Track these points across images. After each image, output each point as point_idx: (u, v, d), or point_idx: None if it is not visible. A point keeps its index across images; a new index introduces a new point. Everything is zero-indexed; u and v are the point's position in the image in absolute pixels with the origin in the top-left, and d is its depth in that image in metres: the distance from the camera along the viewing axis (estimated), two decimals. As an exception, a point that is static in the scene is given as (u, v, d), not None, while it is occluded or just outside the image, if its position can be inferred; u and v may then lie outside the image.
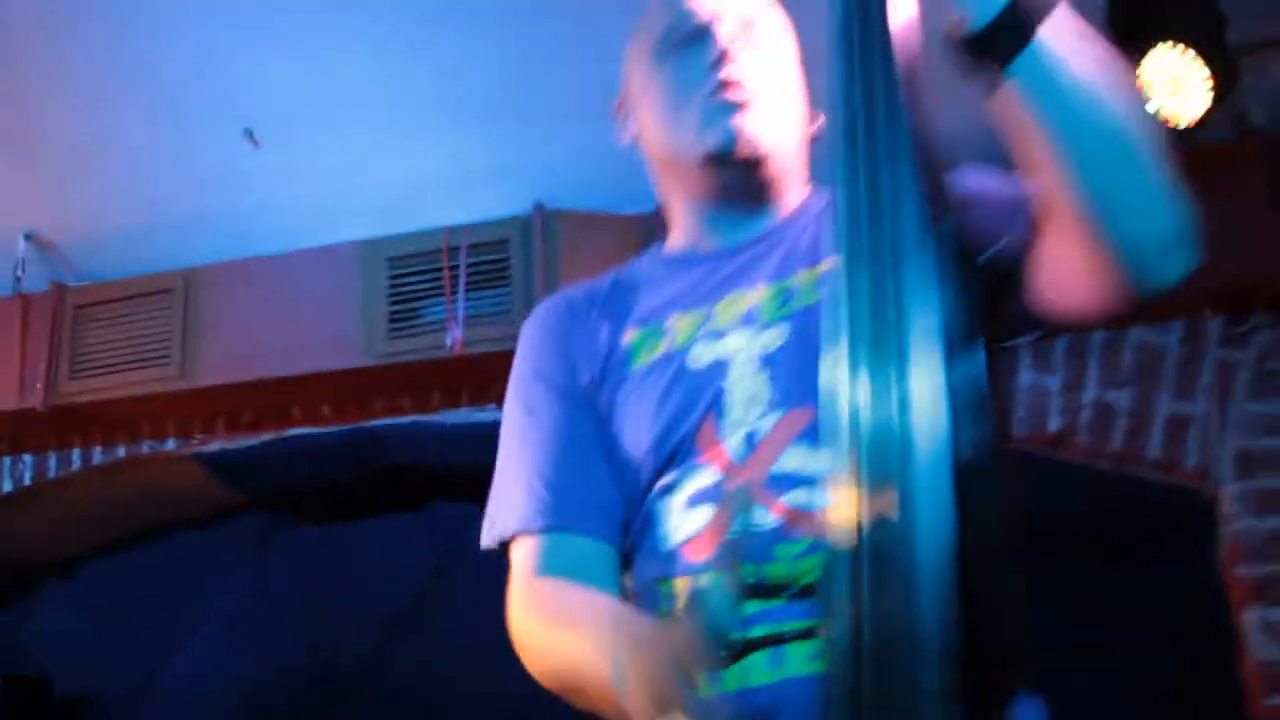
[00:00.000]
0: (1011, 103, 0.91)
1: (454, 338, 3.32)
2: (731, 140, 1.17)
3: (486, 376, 3.45)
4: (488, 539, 1.22)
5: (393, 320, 3.42)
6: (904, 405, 0.71)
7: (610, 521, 1.17)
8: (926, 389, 0.71)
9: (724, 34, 1.21)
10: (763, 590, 1.03)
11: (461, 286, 3.38)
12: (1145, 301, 0.96)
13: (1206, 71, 2.57)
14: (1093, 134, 0.91)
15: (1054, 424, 3.17)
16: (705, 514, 1.09)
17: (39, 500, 3.97)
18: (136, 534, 4.31)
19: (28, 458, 3.87)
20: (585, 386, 1.21)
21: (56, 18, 2.86)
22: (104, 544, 4.33)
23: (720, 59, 1.19)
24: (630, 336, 1.21)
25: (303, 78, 3.06)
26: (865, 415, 0.73)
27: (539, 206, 3.40)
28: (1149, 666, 3.50)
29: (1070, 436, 3.17)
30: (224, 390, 3.55)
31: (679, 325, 1.19)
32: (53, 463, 3.87)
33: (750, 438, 1.08)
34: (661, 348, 1.18)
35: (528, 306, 3.24)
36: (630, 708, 0.90)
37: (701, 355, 1.15)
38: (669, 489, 1.12)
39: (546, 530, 1.16)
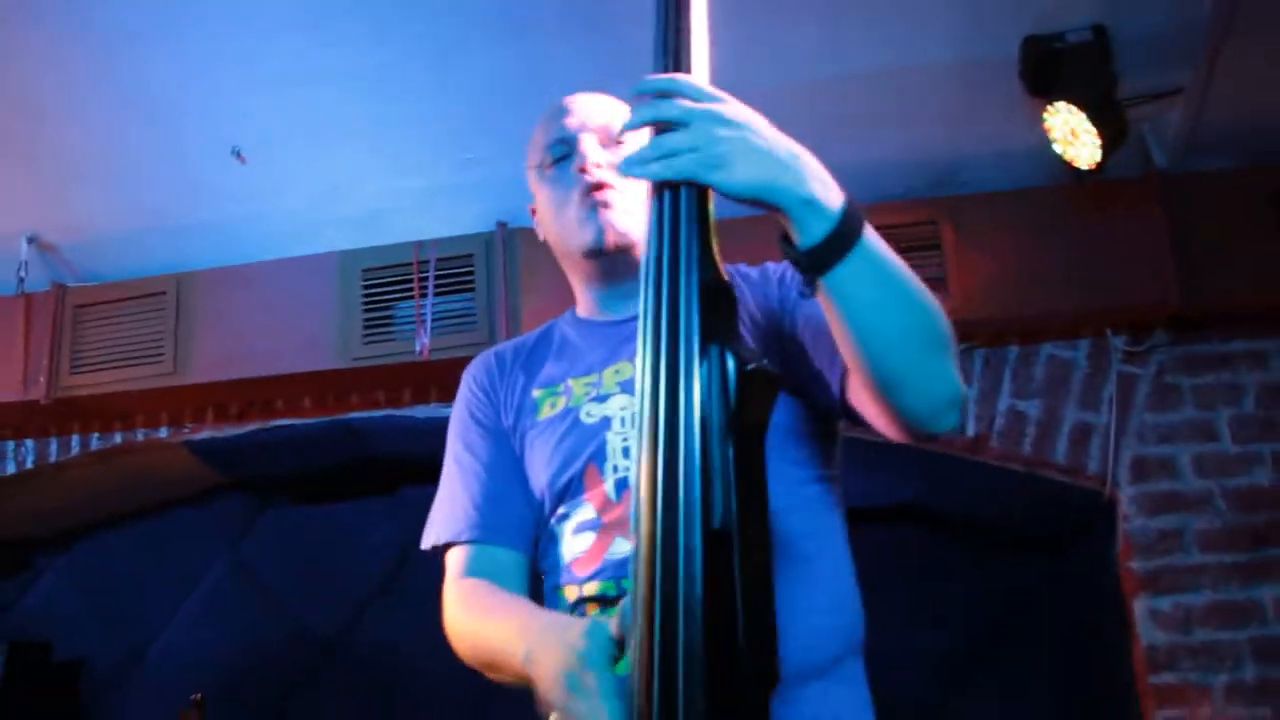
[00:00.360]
0: (826, 296, 1.11)
1: (423, 343, 3.44)
2: (601, 234, 1.42)
3: (452, 377, 3.52)
4: (426, 543, 1.50)
5: (367, 326, 3.53)
6: (669, 475, 0.99)
7: (524, 537, 1.46)
8: (683, 466, 0.99)
9: (587, 145, 1.45)
10: (615, 601, 1.32)
11: (430, 295, 3.49)
12: (926, 441, 1.19)
13: (1096, 127, 2.82)
14: (883, 335, 1.12)
15: (971, 429, 3.38)
16: (588, 539, 1.37)
17: (40, 481, 4.05)
18: (129, 513, 4.42)
19: (30, 443, 3.96)
20: (507, 428, 1.50)
21: (59, 35, 2.93)
22: (99, 521, 4.43)
23: (584, 168, 1.43)
24: (538, 393, 1.49)
25: (287, 100, 3.17)
26: (649, 476, 1.01)
27: (501, 224, 3.54)
28: (1054, 647, 3.74)
29: (985, 442, 3.37)
30: (213, 386, 3.65)
31: (574, 387, 1.46)
32: (54, 448, 3.95)
33: (622, 483, 1.36)
34: (561, 404, 1.46)
35: (490, 314, 3.42)
36: (539, 684, 1.14)
37: (592, 412, 1.42)
38: (563, 517, 1.41)
39: (473, 541, 1.45)
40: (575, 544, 1.39)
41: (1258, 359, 3.34)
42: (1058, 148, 2.97)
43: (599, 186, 1.43)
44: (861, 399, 1.23)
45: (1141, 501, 3.30)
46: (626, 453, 1.37)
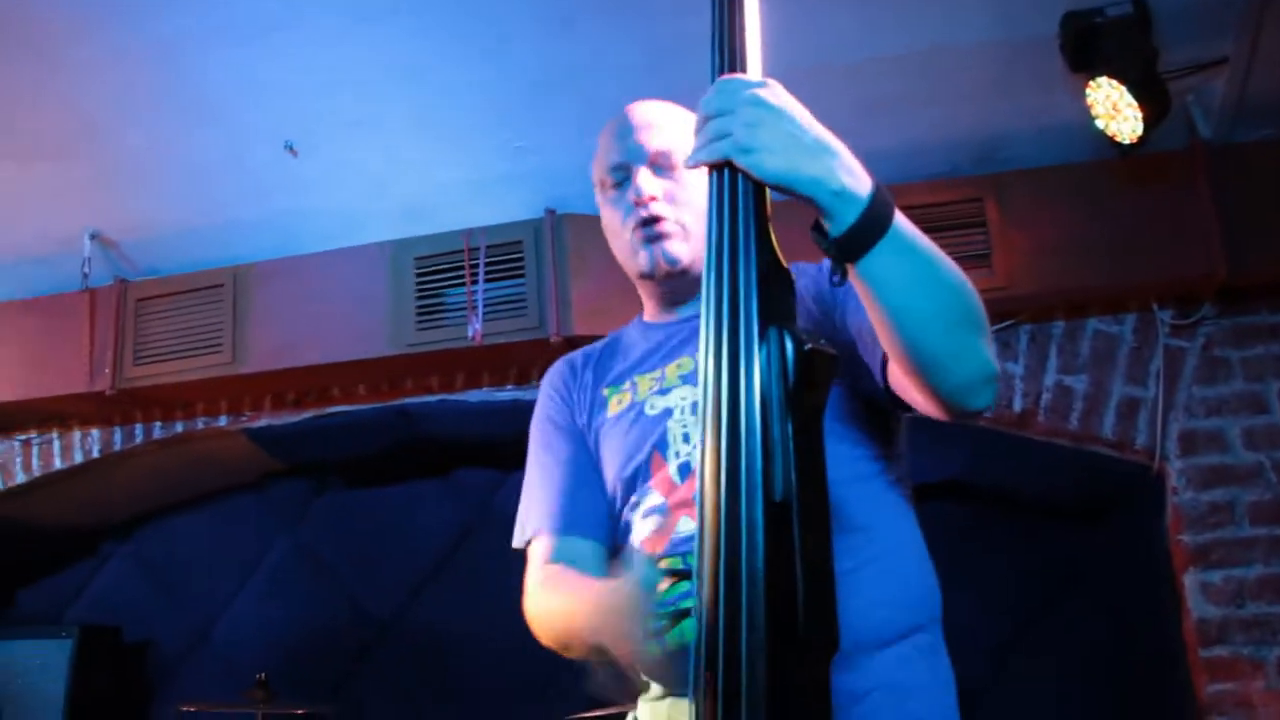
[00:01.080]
0: (859, 282, 1.14)
1: (474, 328, 3.49)
2: (654, 266, 1.50)
3: (503, 361, 3.68)
4: (519, 540, 1.58)
5: (419, 313, 3.58)
6: (732, 451, 1.05)
7: (602, 527, 1.54)
8: (744, 442, 1.04)
9: (642, 179, 1.50)
10: (688, 574, 1.38)
11: (481, 282, 3.54)
12: (965, 418, 1.22)
13: (1137, 101, 2.82)
14: (916, 318, 1.14)
15: (1018, 405, 3.39)
16: (655, 522, 1.44)
17: (105, 470, 4.15)
18: (191, 499, 4.55)
19: (95, 433, 4.06)
20: (581, 427, 1.59)
21: (118, 44, 3.03)
22: (162, 508, 4.55)
23: (638, 200, 1.49)
24: (606, 391, 1.58)
25: (339, 95, 3.24)
26: (713, 453, 1.06)
27: (550, 211, 3.58)
28: (1103, 622, 3.77)
29: (1033, 417, 3.38)
30: (270, 375, 3.73)
31: (640, 383, 1.54)
32: (118, 437, 4.05)
33: (684, 467, 1.42)
34: (627, 399, 1.54)
35: (540, 299, 3.47)
36: (610, 643, 1.22)
37: (655, 404, 1.49)
38: (634, 505, 1.48)
39: (557, 532, 1.52)
40: (644, 527, 1.45)
41: (1306, 330, 3.32)
42: (1100, 123, 2.98)
43: (652, 220, 1.49)
44: (901, 383, 1.26)
45: (1191, 474, 3.30)
46: (688, 438, 1.43)
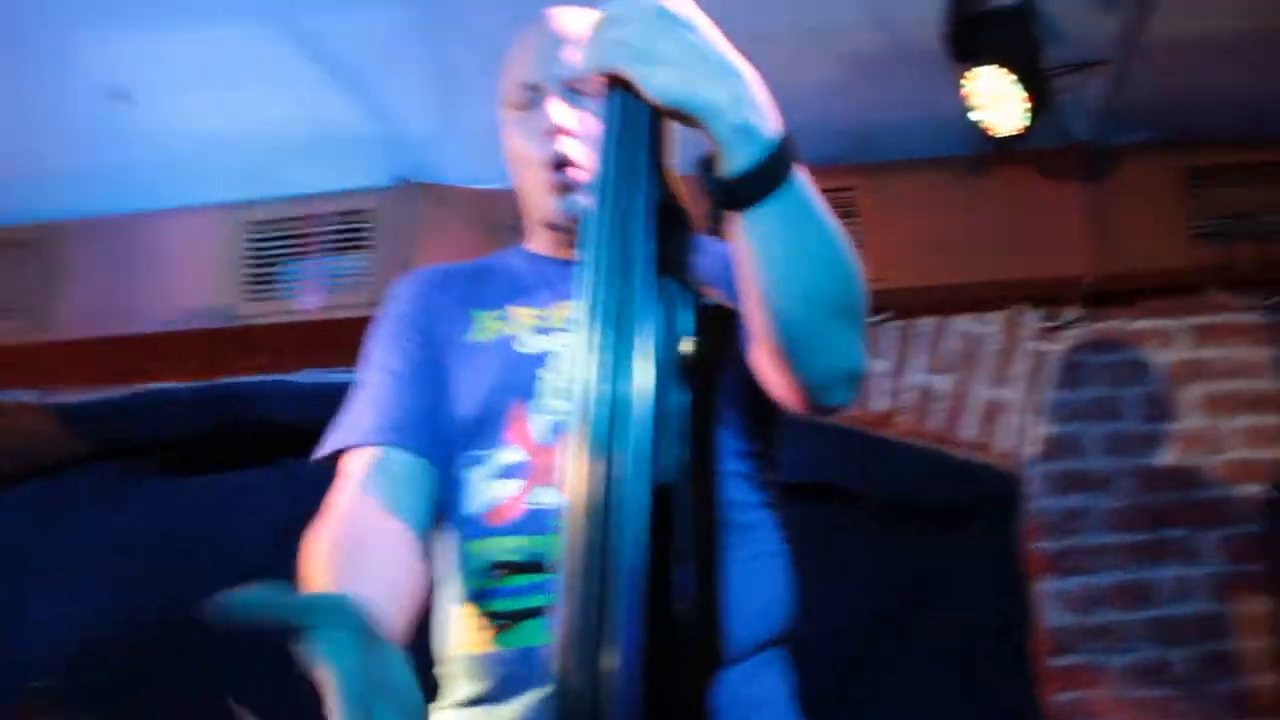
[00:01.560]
0: (739, 237, 1.00)
1: (312, 302, 3.32)
2: (561, 215, 1.30)
3: (345, 340, 3.38)
4: (329, 447, 1.31)
5: (252, 283, 3.40)
6: (615, 417, 0.86)
7: (442, 452, 1.28)
8: (634, 408, 0.86)
9: (553, 109, 1.29)
10: (537, 565, 1.18)
11: (321, 253, 3.37)
12: (819, 414, 1.12)
13: (1023, 91, 2.77)
14: (796, 290, 1.02)
15: (880, 404, 3.33)
16: (506, 487, 1.22)
17: None
18: None
19: None
20: (437, 343, 1.34)
21: None
22: None
23: (551, 131, 1.29)
24: (475, 313, 1.34)
25: (170, 39, 2.99)
26: (589, 419, 0.86)
27: (401, 180, 3.40)
28: (958, 628, 3.73)
29: (893, 417, 3.33)
30: (82, 344, 3.48)
31: (517, 315, 1.32)
32: None
33: (557, 426, 1.21)
34: (495, 329, 1.31)
35: (385, 274, 3.18)
36: None
37: (530, 343, 1.28)
38: (474, 460, 1.25)
39: (388, 444, 1.26)
40: (489, 491, 1.24)
41: (1164, 338, 3.34)
42: (979, 114, 2.91)
43: (564, 163, 1.29)
44: (760, 362, 1.13)
45: (1048, 480, 3.29)
46: (561, 395, 1.23)
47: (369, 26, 2.96)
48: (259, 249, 3.42)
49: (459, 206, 3.31)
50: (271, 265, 3.41)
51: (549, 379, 1.25)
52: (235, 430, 3.85)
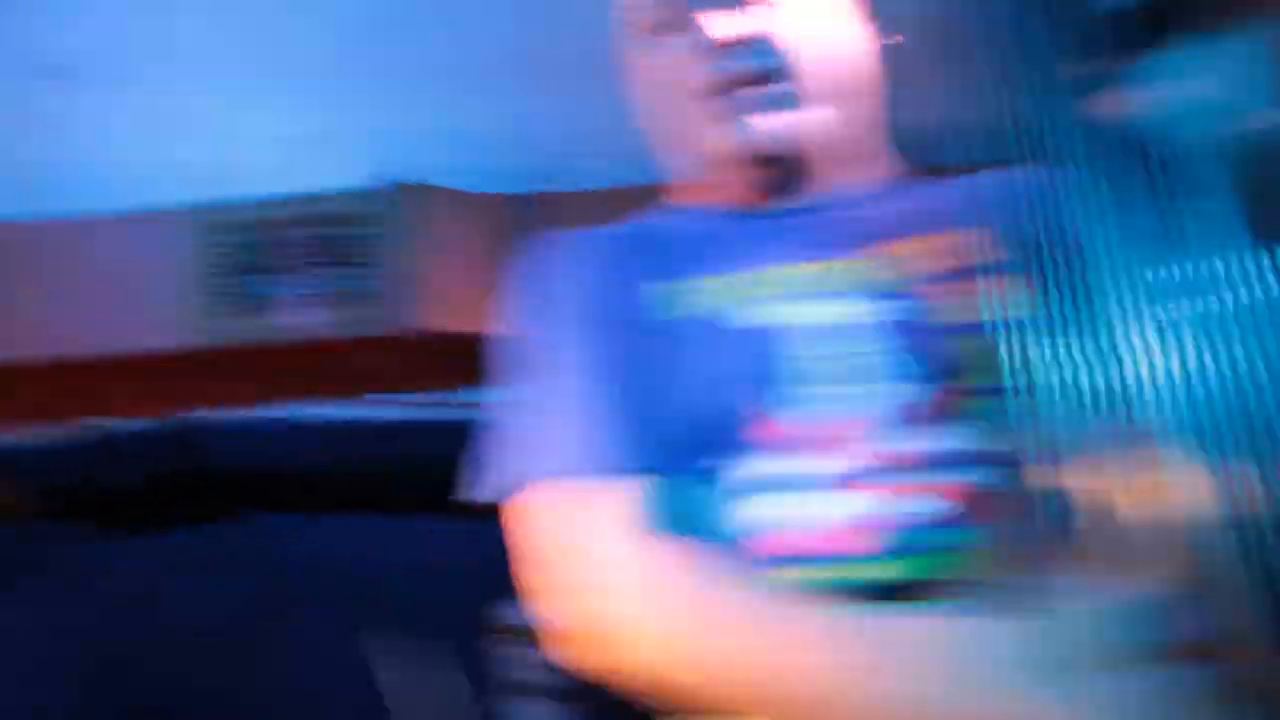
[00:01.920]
0: None
1: (289, 320, 3.21)
2: (751, 147, 1.02)
3: (327, 365, 3.35)
4: (506, 484, 0.95)
5: (217, 295, 3.31)
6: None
7: (667, 466, 0.94)
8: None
9: (709, 18, 1.04)
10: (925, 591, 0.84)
11: (303, 264, 3.28)
12: None
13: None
14: None
15: None
16: (854, 502, 0.88)
17: None
18: None
19: None
20: (626, 330, 1.01)
21: None
22: None
23: (716, 45, 1.03)
24: (662, 288, 1.02)
25: (129, 23, 2.83)
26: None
27: (390, 181, 3.32)
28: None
29: None
30: (7, 371, 3.31)
31: (727, 284, 1.02)
32: None
33: (897, 412, 0.90)
34: (724, 301, 1.00)
35: (376, 287, 3.17)
36: None
37: (754, 317, 0.97)
38: (718, 475, 0.92)
39: (635, 473, 0.91)
40: (817, 506, 0.88)
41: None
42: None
43: (734, 84, 1.03)
44: None
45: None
46: (898, 374, 0.92)
47: (355, 6, 2.84)
48: (227, 258, 3.35)
49: (456, 210, 3.25)
50: (241, 277, 3.33)
51: (803, 359, 0.95)
52: (190, 478, 3.58)
